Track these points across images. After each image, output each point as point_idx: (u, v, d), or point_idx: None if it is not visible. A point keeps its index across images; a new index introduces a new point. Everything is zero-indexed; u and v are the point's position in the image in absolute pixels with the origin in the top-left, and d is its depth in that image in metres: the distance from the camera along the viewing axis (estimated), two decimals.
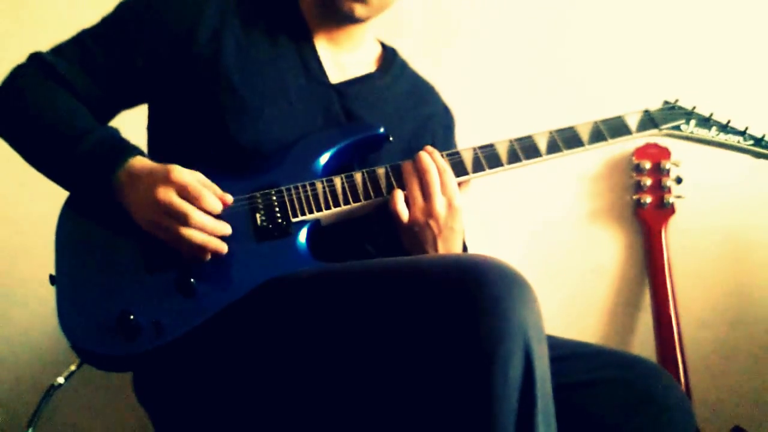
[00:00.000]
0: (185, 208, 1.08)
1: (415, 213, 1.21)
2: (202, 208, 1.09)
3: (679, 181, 1.91)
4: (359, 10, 1.29)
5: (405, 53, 1.50)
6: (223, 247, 1.12)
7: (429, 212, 1.20)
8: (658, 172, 1.94)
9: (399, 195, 1.22)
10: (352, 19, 1.31)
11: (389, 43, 1.50)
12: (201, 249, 1.10)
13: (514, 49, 2.02)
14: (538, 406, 0.88)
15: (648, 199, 1.94)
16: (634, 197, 1.96)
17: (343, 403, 1.02)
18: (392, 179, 1.24)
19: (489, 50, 2.03)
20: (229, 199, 1.14)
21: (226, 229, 1.12)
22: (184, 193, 1.09)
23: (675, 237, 1.95)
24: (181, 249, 1.11)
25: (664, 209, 1.94)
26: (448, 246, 1.23)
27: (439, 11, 2.01)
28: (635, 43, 2.00)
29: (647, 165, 1.94)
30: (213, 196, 1.11)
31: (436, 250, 1.22)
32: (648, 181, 1.94)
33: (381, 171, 1.24)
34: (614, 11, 2.01)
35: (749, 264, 1.99)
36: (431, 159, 1.23)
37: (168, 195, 1.08)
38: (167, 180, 1.09)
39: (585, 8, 2.01)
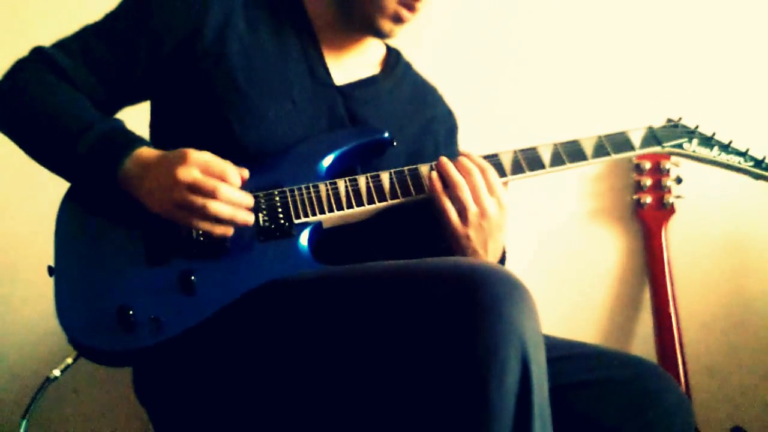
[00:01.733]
0: (213, 183, 1.08)
1: (469, 218, 1.20)
2: (227, 182, 1.10)
3: (679, 181, 1.92)
4: (397, 31, 1.30)
5: (408, 55, 1.49)
6: (250, 218, 1.12)
7: (482, 214, 1.20)
8: (658, 172, 1.94)
9: (449, 205, 1.21)
10: (383, 37, 1.32)
11: (393, 44, 1.49)
12: (227, 222, 1.10)
13: (519, 55, 2.03)
14: (534, 413, 0.88)
15: (648, 199, 1.94)
16: (634, 197, 1.96)
17: (339, 405, 1.02)
18: (396, 186, 1.23)
19: (493, 55, 2.03)
20: (246, 172, 1.14)
21: (250, 200, 1.13)
22: (207, 170, 1.09)
23: (675, 237, 1.96)
24: (202, 227, 1.11)
25: (664, 209, 1.94)
26: (497, 244, 1.24)
27: (445, 16, 2.01)
28: (642, 58, 2.01)
29: (647, 165, 1.94)
30: (234, 170, 1.12)
31: (486, 251, 1.22)
32: (648, 181, 1.94)
33: (385, 176, 1.24)
34: (625, 27, 2.02)
35: (749, 264, 1.99)
36: (471, 161, 1.23)
37: (191, 173, 1.07)
38: (186, 160, 1.08)
39: (594, 21, 2.02)
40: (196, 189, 1.08)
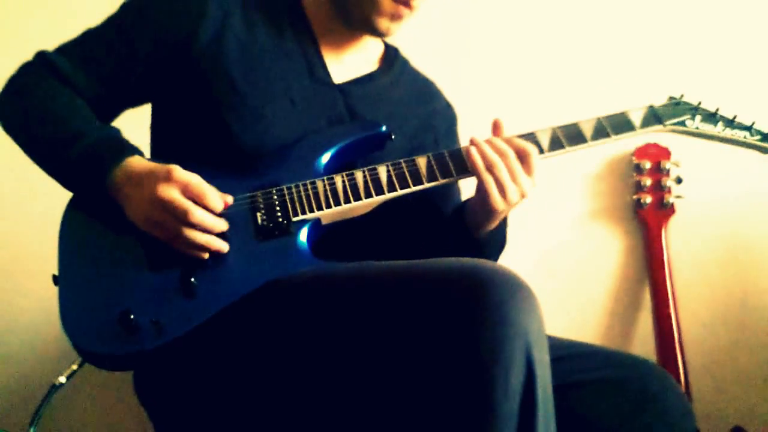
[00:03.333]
0: (186, 205, 1.08)
1: (510, 196, 1.19)
2: (204, 207, 1.10)
3: (679, 181, 1.92)
4: (395, 29, 1.30)
5: (406, 51, 1.50)
6: (224, 247, 1.12)
7: (521, 194, 1.20)
8: (658, 172, 1.94)
9: (492, 183, 1.19)
10: (381, 35, 1.33)
11: (391, 41, 1.50)
12: (201, 247, 1.11)
13: (515, 44, 2.03)
14: (539, 413, 0.88)
15: (648, 199, 1.94)
16: (634, 197, 1.96)
17: (341, 405, 1.02)
18: (393, 178, 1.23)
19: (489, 46, 2.03)
20: (230, 199, 1.14)
21: (223, 225, 1.12)
22: (186, 191, 1.09)
23: (675, 237, 1.96)
24: (178, 247, 1.11)
25: (664, 209, 1.94)
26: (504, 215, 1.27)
27: (440, 9, 2.01)
28: (640, 38, 2.00)
29: (647, 165, 1.94)
30: (215, 194, 1.11)
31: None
32: (648, 181, 1.94)
33: (382, 169, 1.24)
34: (620, 5, 2.01)
35: (749, 263, 1.99)
36: (507, 144, 1.21)
37: (169, 192, 1.08)
38: (169, 178, 1.09)
39: (593, 7, 2.02)
40: (170, 208, 1.08)
